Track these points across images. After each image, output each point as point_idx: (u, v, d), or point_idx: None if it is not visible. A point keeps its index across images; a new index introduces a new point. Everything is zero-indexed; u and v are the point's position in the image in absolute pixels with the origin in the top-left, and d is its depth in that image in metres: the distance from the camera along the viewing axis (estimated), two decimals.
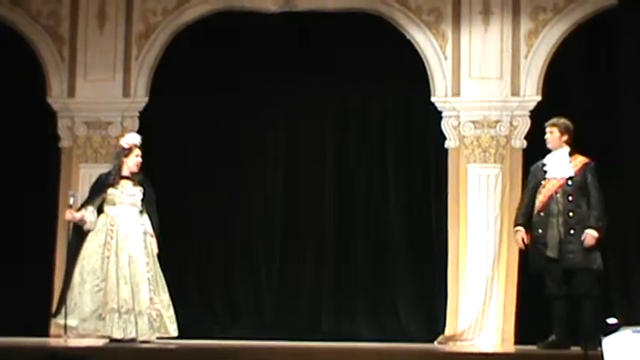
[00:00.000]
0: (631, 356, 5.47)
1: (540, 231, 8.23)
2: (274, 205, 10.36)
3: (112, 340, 8.33)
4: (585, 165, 8.29)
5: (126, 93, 10.35)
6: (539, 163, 8.43)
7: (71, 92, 10.41)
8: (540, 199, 8.28)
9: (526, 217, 8.36)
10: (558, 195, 8.22)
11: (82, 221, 8.54)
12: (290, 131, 10.43)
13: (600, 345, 5.76)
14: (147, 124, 10.01)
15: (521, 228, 8.36)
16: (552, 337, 8.14)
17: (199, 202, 10.22)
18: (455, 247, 9.73)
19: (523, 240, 8.34)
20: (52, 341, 9.36)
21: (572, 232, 8.14)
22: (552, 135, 8.39)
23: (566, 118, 8.48)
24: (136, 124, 10.19)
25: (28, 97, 10.35)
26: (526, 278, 9.43)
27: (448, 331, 9.60)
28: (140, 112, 10.29)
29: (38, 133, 10.34)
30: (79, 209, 8.58)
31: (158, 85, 10.34)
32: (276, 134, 10.44)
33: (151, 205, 8.65)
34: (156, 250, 8.54)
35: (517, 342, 9.31)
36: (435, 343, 9.50)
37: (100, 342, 8.37)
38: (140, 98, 10.32)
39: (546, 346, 8.11)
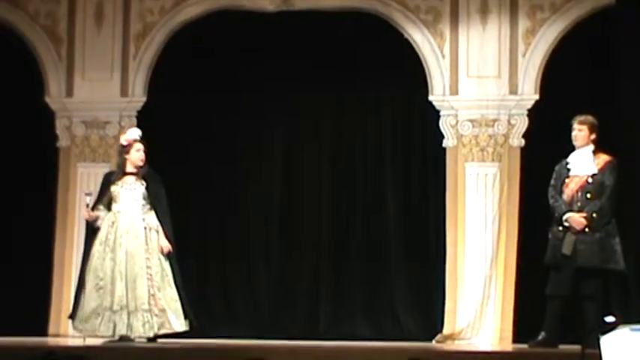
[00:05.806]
0: (629, 355, 5.47)
1: (560, 228, 8.22)
2: (272, 204, 10.36)
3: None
4: (607, 163, 8.26)
5: (124, 92, 10.35)
6: (563, 162, 8.38)
7: (69, 92, 10.41)
8: (564, 197, 8.27)
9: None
10: (579, 193, 8.22)
11: (96, 220, 8.57)
12: (287, 130, 10.41)
13: (599, 344, 5.75)
14: (145, 123, 9.98)
15: (569, 214, 8.15)
16: (542, 335, 8.16)
17: (197, 201, 10.22)
18: (453, 246, 9.73)
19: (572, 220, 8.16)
20: (51, 340, 9.37)
21: (586, 230, 8.13)
22: (581, 133, 8.32)
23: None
24: (134, 123, 10.17)
25: (26, 97, 10.34)
26: (524, 277, 9.45)
27: (446, 330, 9.60)
28: (138, 112, 10.29)
29: (36, 133, 10.33)
30: (92, 209, 8.61)
31: (156, 84, 10.35)
32: (273, 133, 10.43)
33: (158, 202, 8.60)
34: (166, 249, 8.48)
35: (515, 341, 9.31)
36: (433, 341, 9.50)
37: (99, 341, 8.37)
38: (138, 97, 10.33)
39: (536, 344, 8.13)
